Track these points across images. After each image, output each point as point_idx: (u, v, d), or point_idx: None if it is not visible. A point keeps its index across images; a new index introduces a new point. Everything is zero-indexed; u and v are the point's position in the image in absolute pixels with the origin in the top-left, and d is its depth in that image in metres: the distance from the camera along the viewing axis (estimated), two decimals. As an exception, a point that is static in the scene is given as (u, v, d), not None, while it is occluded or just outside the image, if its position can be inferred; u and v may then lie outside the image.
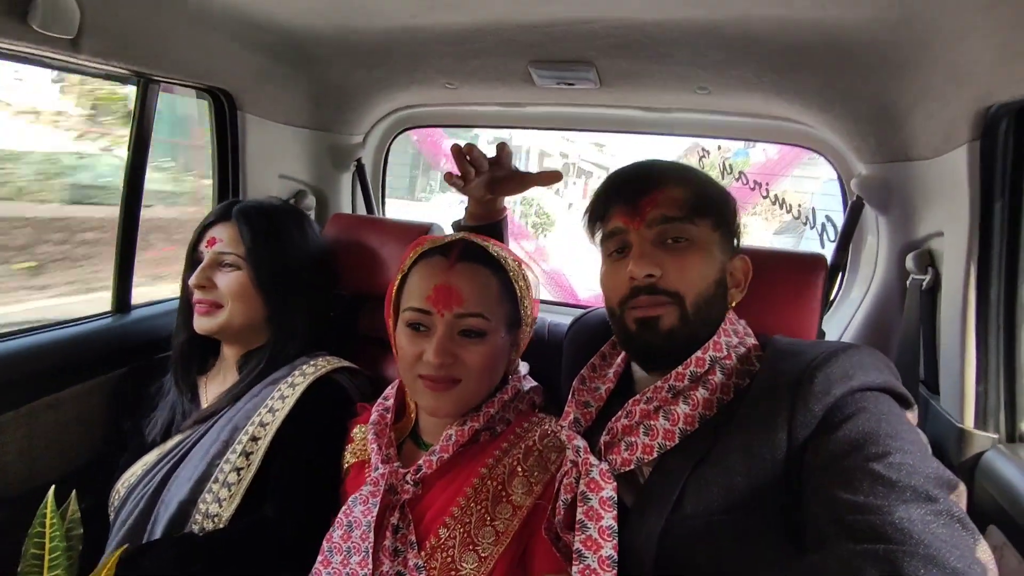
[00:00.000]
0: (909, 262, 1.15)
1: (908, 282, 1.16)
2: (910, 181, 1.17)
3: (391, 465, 0.88)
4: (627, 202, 0.81)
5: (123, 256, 1.29)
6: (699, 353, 0.77)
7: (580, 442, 0.80)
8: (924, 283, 1.11)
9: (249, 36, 1.24)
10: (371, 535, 0.81)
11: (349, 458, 0.96)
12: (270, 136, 1.49)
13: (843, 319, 1.44)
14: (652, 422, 0.77)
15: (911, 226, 1.19)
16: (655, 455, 0.75)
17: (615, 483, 0.75)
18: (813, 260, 1.09)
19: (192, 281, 1.06)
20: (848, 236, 1.36)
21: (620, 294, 0.80)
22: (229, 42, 1.25)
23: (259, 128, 1.45)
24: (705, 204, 0.80)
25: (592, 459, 0.77)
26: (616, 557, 0.72)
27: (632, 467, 0.77)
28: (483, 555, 0.80)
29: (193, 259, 1.10)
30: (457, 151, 1.04)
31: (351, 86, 1.52)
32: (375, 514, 0.82)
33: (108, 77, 1.18)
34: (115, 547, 0.97)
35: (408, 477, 0.86)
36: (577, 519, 0.74)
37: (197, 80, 1.29)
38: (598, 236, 0.87)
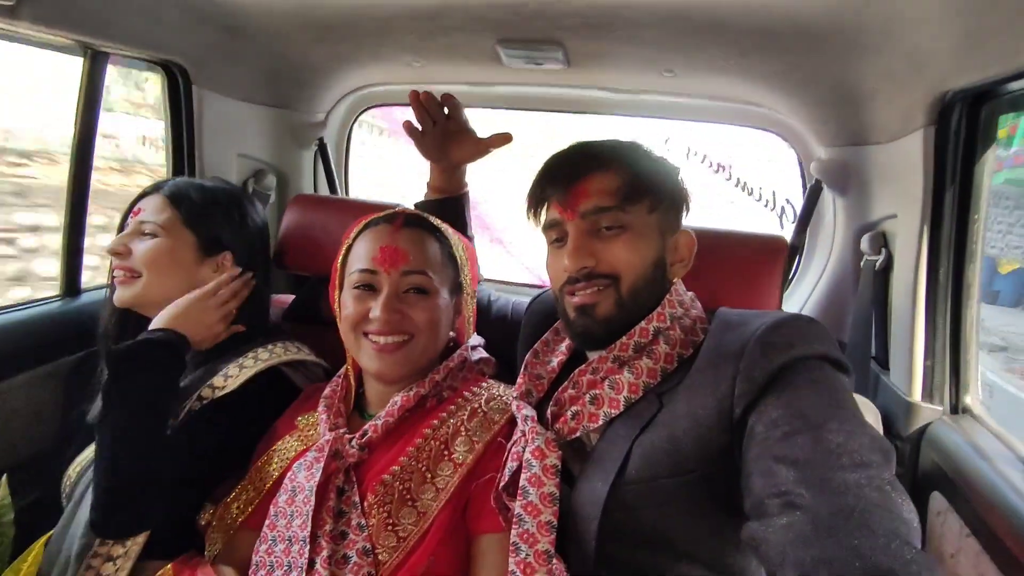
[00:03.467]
0: (864, 243, 1.19)
1: (863, 263, 1.20)
2: (867, 164, 1.21)
3: (337, 432, 0.89)
4: (560, 192, 0.83)
5: (71, 235, 1.23)
6: (643, 324, 0.80)
7: (528, 411, 0.82)
8: (877, 263, 1.15)
9: (203, 6, 1.17)
10: (312, 499, 0.81)
11: (292, 445, 0.95)
12: (227, 113, 1.43)
13: (800, 298, 1.49)
14: (597, 391, 0.80)
15: (867, 208, 1.24)
16: (600, 422, 0.78)
17: (559, 452, 0.77)
18: (774, 242, 1.12)
19: (108, 247, 1.03)
20: (807, 218, 1.40)
21: (560, 281, 0.84)
22: (182, 12, 1.18)
23: (215, 104, 1.39)
24: (639, 189, 0.81)
25: (538, 428, 0.79)
26: (555, 522, 0.74)
27: (578, 434, 0.79)
28: (421, 510, 0.81)
29: (122, 226, 1.07)
30: (415, 97, 1.14)
31: (312, 62, 1.47)
32: (317, 479, 0.82)
33: (52, 48, 1.10)
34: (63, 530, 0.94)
35: (354, 442, 0.87)
36: (520, 485, 0.76)
37: (148, 52, 1.22)
38: (539, 223, 0.88)
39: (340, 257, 0.96)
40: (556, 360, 0.92)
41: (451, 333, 1.00)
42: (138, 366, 0.90)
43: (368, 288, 0.90)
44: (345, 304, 0.91)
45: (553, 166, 0.87)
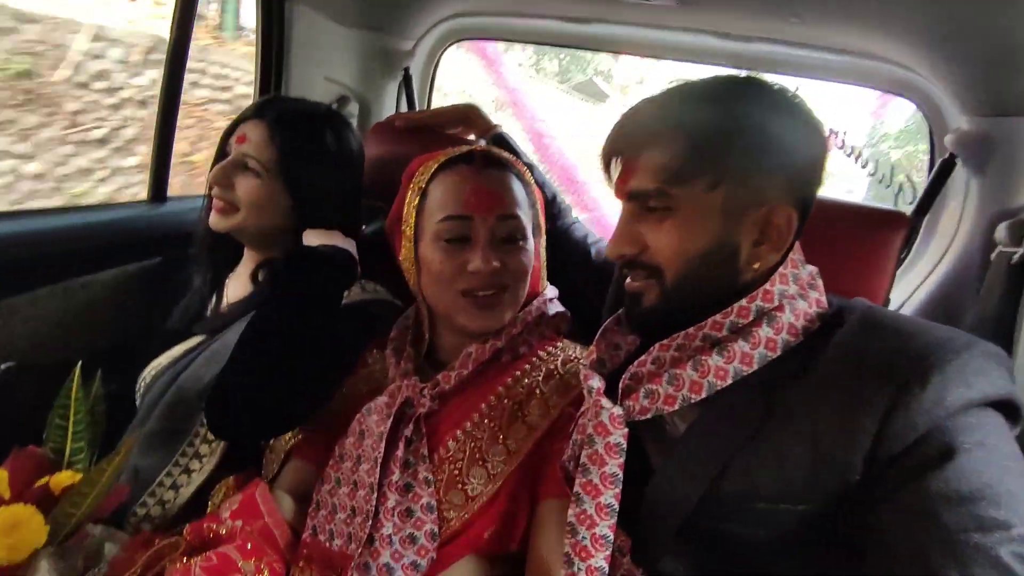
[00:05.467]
0: (1000, 232, 1.03)
1: (994, 254, 1.05)
2: (1018, 139, 1.04)
3: (409, 379, 0.85)
4: (613, 167, 0.72)
5: (160, 143, 1.25)
6: (744, 302, 0.67)
7: (596, 382, 0.74)
8: (1015, 257, 1.00)
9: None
10: (382, 445, 0.79)
11: (359, 386, 0.93)
12: (318, 33, 1.40)
13: (907, 288, 1.33)
14: (679, 371, 0.68)
15: (1009, 191, 1.07)
16: (676, 406, 0.68)
17: (626, 429, 0.69)
18: (892, 218, 0.99)
19: (210, 177, 1.01)
20: (932, 197, 1.23)
21: None
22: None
23: (307, 23, 1.36)
24: (696, 164, 0.65)
25: (604, 401, 0.71)
26: (616, 507, 0.67)
27: (650, 415, 0.69)
28: (492, 472, 0.78)
29: (223, 152, 1.04)
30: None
31: None
32: (388, 425, 0.80)
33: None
34: (135, 431, 0.98)
35: (425, 391, 0.84)
36: (580, 462, 0.69)
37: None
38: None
39: (411, 203, 0.88)
40: None
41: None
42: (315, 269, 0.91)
43: (459, 239, 0.83)
44: (430, 258, 0.85)
45: (608, 137, 0.74)
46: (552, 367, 0.86)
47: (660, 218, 0.68)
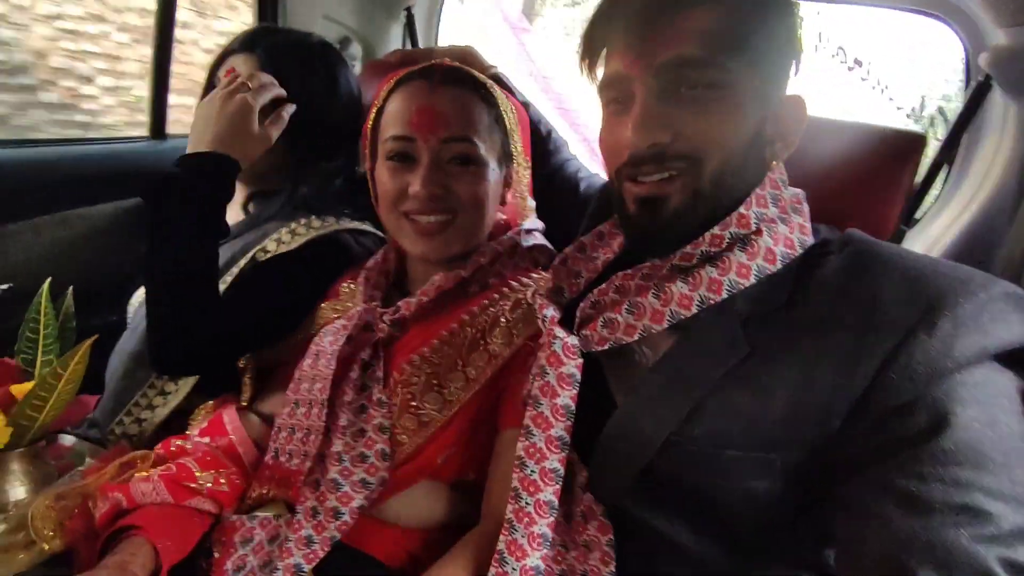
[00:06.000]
0: None
1: None
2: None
3: (369, 304, 0.83)
4: (631, 34, 0.59)
5: (157, 78, 1.26)
6: (717, 230, 0.59)
7: (550, 311, 0.68)
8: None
9: None
10: (333, 363, 0.77)
11: (328, 314, 0.92)
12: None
13: (940, 227, 1.22)
14: (640, 299, 0.62)
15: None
16: (636, 336, 0.61)
17: (580, 360, 0.64)
18: (908, 139, 0.89)
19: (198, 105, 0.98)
20: (964, 125, 1.11)
21: (619, 160, 0.62)
22: None
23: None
24: (743, 32, 0.56)
25: (558, 331, 0.65)
26: (567, 439, 0.63)
27: (607, 346, 0.63)
28: (448, 398, 0.76)
29: (211, 85, 1.02)
30: None
31: None
32: (340, 344, 0.78)
33: None
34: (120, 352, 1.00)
35: (385, 317, 0.82)
36: (531, 393, 0.65)
37: None
38: (595, 78, 0.66)
39: (371, 120, 0.85)
40: (602, 258, 0.74)
41: (500, 211, 0.90)
42: (183, 197, 0.84)
43: (404, 159, 0.79)
44: (380, 179, 0.82)
45: (605, 4, 0.63)
46: (521, 296, 0.81)
47: (704, 99, 0.57)
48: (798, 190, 0.66)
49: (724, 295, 0.59)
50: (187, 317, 0.84)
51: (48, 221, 1.12)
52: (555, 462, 0.62)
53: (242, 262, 0.96)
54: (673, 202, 0.60)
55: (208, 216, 0.87)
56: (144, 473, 0.79)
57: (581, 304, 0.67)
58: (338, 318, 0.89)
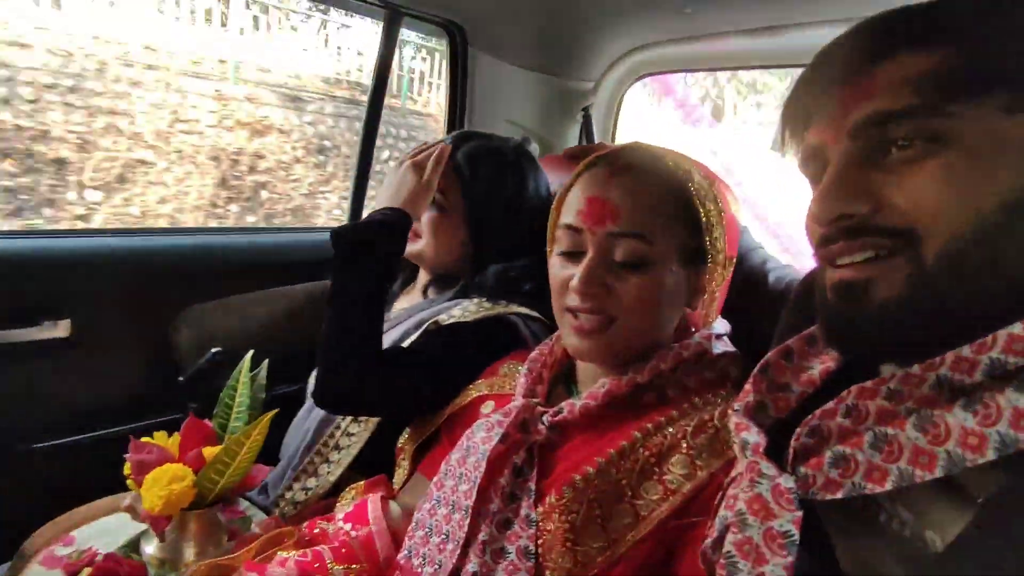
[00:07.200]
0: None
1: None
2: None
3: (529, 400, 0.77)
4: (825, 95, 0.48)
5: (360, 172, 1.44)
6: (1018, 329, 0.40)
7: (752, 436, 0.52)
8: None
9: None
10: (483, 465, 0.71)
11: (481, 389, 0.89)
12: (498, 76, 1.50)
13: None
14: (892, 430, 0.44)
15: None
16: (887, 486, 0.43)
17: (799, 512, 0.46)
18: None
19: None
20: None
21: (815, 239, 0.50)
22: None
23: (489, 67, 1.47)
24: (985, 69, 0.42)
25: (765, 465, 0.49)
26: None
27: (840, 495, 0.45)
28: (613, 536, 0.64)
29: None
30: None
31: (583, 15, 1.41)
32: (494, 443, 0.72)
33: (357, 11, 1.30)
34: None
35: (545, 418, 0.74)
36: (725, 552, 0.48)
37: (436, 12, 1.34)
38: (796, 158, 0.54)
39: (554, 207, 0.82)
40: (819, 367, 0.56)
41: (682, 314, 0.78)
42: (364, 242, 0.95)
43: (572, 252, 0.74)
44: (551, 267, 0.78)
45: (826, 54, 0.51)
46: (707, 417, 0.69)
47: (914, 156, 0.43)
48: None
49: None
50: (355, 341, 0.92)
51: (258, 297, 1.29)
52: None
53: (415, 335, 1.01)
54: (882, 290, 0.45)
55: (381, 248, 0.96)
56: (284, 554, 0.81)
57: (796, 431, 0.50)
58: (486, 396, 0.87)
